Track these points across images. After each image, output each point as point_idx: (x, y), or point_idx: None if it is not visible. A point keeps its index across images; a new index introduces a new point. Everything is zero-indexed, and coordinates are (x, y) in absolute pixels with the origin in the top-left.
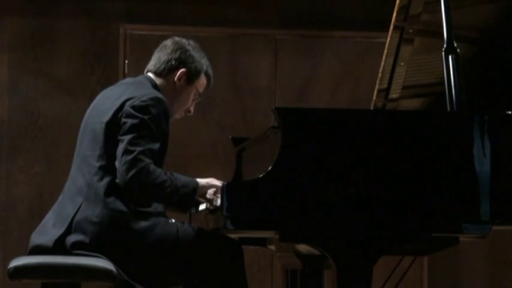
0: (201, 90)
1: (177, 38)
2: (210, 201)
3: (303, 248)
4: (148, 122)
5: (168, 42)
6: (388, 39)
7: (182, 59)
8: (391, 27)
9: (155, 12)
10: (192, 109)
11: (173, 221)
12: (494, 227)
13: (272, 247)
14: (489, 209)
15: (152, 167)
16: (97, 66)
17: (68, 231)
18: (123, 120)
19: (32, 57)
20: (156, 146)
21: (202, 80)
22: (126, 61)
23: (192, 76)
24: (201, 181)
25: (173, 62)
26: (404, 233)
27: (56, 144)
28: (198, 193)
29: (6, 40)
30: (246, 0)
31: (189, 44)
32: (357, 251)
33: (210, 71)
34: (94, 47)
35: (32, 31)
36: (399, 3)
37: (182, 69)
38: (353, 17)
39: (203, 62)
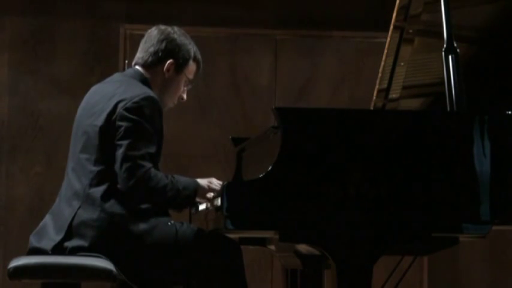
0: (191, 76)
1: (162, 27)
2: (210, 201)
3: (303, 248)
4: (143, 124)
5: (154, 32)
6: (388, 39)
7: (169, 50)
8: (391, 27)
9: (155, 12)
10: (184, 96)
11: (172, 222)
12: (494, 227)
13: (272, 247)
14: (489, 209)
15: (153, 172)
16: (97, 66)
17: (67, 236)
18: (118, 123)
19: (32, 57)
20: (154, 148)
21: (192, 67)
22: (126, 61)
23: (180, 65)
24: (202, 182)
25: (160, 54)
26: (404, 233)
27: (56, 144)
28: (199, 194)
29: (6, 40)
30: (246, 0)
31: (175, 32)
32: (357, 251)
33: (199, 56)
34: (94, 47)
35: (32, 31)
36: (399, 3)
37: (170, 60)
38: (353, 17)
39: (190, 48)
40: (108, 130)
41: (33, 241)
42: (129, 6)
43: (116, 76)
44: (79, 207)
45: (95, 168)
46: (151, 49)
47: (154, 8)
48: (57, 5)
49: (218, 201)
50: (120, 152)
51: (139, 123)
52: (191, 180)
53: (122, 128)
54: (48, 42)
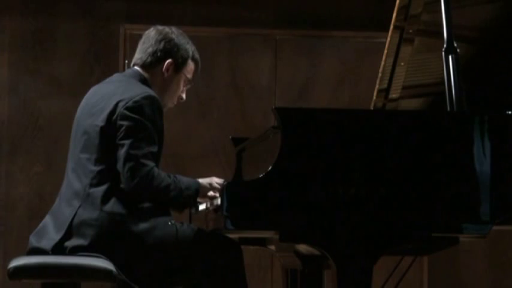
0: (190, 76)
1: (159, 27)
2: (211, 200)
3: (303, 248)
4: (145, 122)
5: (151, 33)
6: (388, 39)
7: (167, 50)
8: (391, 27)
9: (155, 12)
10: (183, 96)
11: (173, 222)
12: (494, 227)
13: (272, 247)
14: (489, 209)
15: (156, 171)
16: (97, 66)
17: (66, 235)
18: (119, 123)
19: (32, 57)
20: (156, 147)
21: (190, 66)
22: (126, 61)
23: (179, 65)
24: (203, 181)
25: (159, 54)
26: (404, 233)
27: (56, 144)
28: (200, 194)
29: (6, 40)
30: (246, 0)
31: (172, 32)
32: (357, 251)
33: (197, 55)
34: (94, 47)
35: (32, 31)
36: (399, 3)
37: (169, 60)
38: (353, 17)
39: (188, 48)
40: (108, 130)
41: (33, 241)
42: (129, 6)
43: (116, 76)
44: (79, 207)
45: (95, 168)
46: (150, 49)
47: (154, 8)
48: (57, 5)
49: (218, 201)
50: (122, 152)
51: (141, 122)
52: (193, 180)
53: (123, 128)
54: (48, 42)
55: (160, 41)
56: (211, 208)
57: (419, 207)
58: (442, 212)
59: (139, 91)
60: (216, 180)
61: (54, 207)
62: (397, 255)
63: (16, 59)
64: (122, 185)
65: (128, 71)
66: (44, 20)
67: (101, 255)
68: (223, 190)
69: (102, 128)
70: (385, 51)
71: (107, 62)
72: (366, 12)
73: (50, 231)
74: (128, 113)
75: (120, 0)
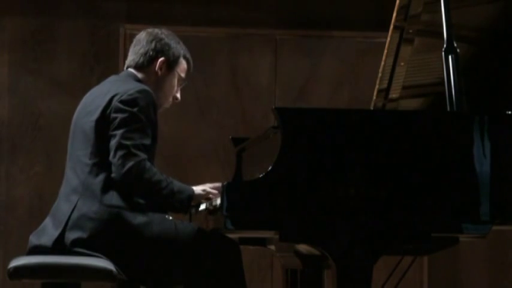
0: (183, 74)
1: (149, 30)
2: (209, 201)
3: (303, 248)
4: (138, 115)
5: (142, 35)
6: (388, 39)
7: (159, 49)
8: (391, 27)
9: (155, 12)
10: (178, 96)
11: (171, 218)
12: (494, 227)
13: (272, 247)
14: (489, 209)
15: (148, 164)
16: (97, 66)
17: (66, 229)
18: (113, 115)
19: (32, 57)
20: (148, 140)
21: (183, 65)
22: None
23: (171, 63)
24: (197, 189)
25: (151, 53)
26: (404, 233)
27: (56, 144)
28: (194, 201)
29: (6, 40)
30: (246, 0)
31: (162, 33)
32: (357, 251)
33: (188, 55)
34: (94, 47)
35: (32, 31)
36: (399, 3)
37: (161, 59)
38: (353, 17)
39: (179, 47)
40: (103, 123)
41: (33, 240)
42: (129, 6)
43: (111, 77)
44: (78, 200)
45: (90, 161)
46: (142, 50)
47: (155, 8)
48: (57, 5)
49: (218, 202)
50: (114, 142)
51: (134, 114)
52: (186, 186)
53: (117, 119)
54: (48, 42)
55: (151, 42)
56: (210, 208)
57: (420, 207)
58: (442, 212)
59: (134, 86)
60: (209, 185)
61: (53, 208)
62: (397, 255)
63: (16, 59)
64: (112, 175)
65: (122, 73)
66: (44, 20)
67: (101, 255)
68: (223, 190)
69: (97, 121)
70: (385, 51)
71: (107, 62)
72: (366, 12)
73: (49, 229)
74: (121, 105)
75: (120, 0)
